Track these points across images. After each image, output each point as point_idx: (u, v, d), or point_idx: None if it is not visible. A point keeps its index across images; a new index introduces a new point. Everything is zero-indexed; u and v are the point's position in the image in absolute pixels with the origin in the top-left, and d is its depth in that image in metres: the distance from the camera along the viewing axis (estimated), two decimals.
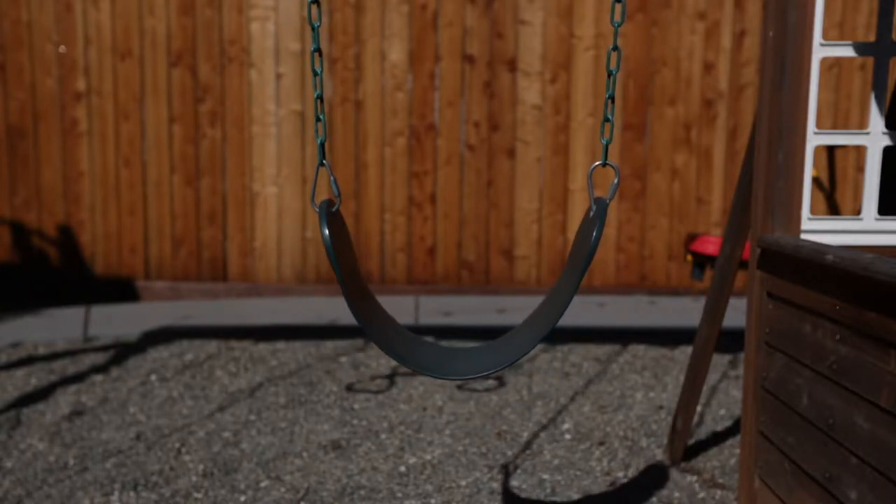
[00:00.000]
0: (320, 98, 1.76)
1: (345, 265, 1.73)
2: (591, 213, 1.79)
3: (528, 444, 3.33)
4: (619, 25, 1.75)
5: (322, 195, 5.76)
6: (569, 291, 1.74)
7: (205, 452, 3.23)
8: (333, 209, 1.76)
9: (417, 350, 1.88)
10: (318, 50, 1.74)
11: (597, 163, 1.81)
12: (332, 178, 1.76)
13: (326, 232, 1.69)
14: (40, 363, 4.34)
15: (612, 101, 1.76)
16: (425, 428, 3.49)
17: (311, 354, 4.52)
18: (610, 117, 1.77)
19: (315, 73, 1.75)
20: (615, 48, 1.77)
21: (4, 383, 4.01)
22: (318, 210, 1.72)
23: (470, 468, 3.10)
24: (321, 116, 1.77)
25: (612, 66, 1.75)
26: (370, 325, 1.78)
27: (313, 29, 1.73)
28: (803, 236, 2.41)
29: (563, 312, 1.72)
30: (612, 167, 1.79)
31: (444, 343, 4.69)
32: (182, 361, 4.38)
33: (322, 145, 1.77)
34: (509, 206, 5.98)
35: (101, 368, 4.26)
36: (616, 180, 1.76)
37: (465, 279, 6.03)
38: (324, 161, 1.77)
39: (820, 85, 2.44)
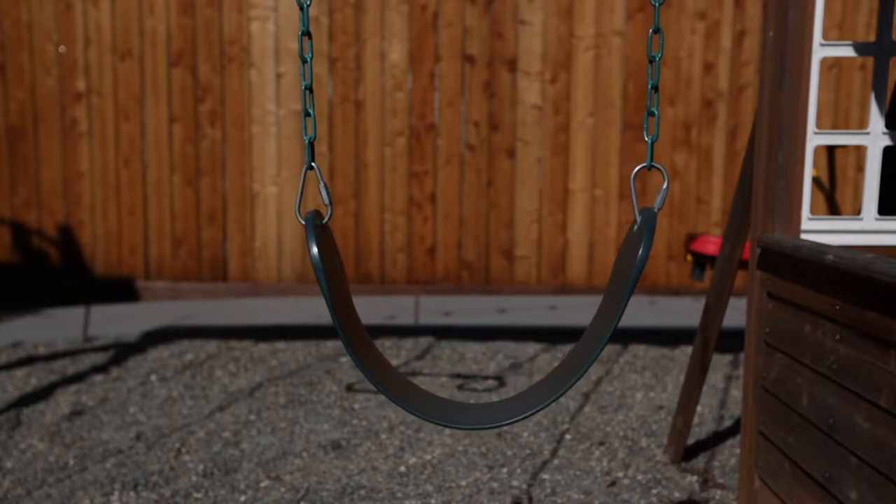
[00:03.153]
0: (309, 89, 1.49)
1: (335, 288, 1.48)
2: (637, 227, 1.49)
3: (528, 444, 3.33)
4: (660, 3, 1.49)
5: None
6: (616, 317, 1.44)
7: (205, 452, 3.23)
8: (323, 222, 1.51)
9: (422, 400, 1.61)
10: (307, 33, 1.49)
11: (642, 164, 1.52)
12: (321, 183, 1.51)
13: (315, 250, 1.43)
14: (40, 363, 4.33)
15: (656, 91, 1.50)
16: (425, 428, 3.49)
17: (311, 354, 4.52)
18: (655, 111, 1.50)
19: (304, 61, 1.49)
20: (657, 30, 1.50)
21: (4, 383, 4.01)
22: (304, 223, 1.46)
23: (470, 468, 3.10)
24: (310, 111, 1.50)
25: (655, 51, 1.49)
26: (364, 364, 1.50)
27: (302, 8, 1.48)
28: (803, 236, 2.41)
29: (606, 343, 1.44)
30: (660, 170, 1.49)
31: (444, 343, 4.69)
32: (182, 361, 4.38)
33: (311, 145, 1.50)
34: (509, 206, 5.98)
35: (101, 368, 4.26)
36: (665, 185, 1.49)
37: (465, 279, 6.03)
38: (312, 164, 1.50)
39: (820, 85, 2.43)
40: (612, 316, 1.45)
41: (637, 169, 1.50)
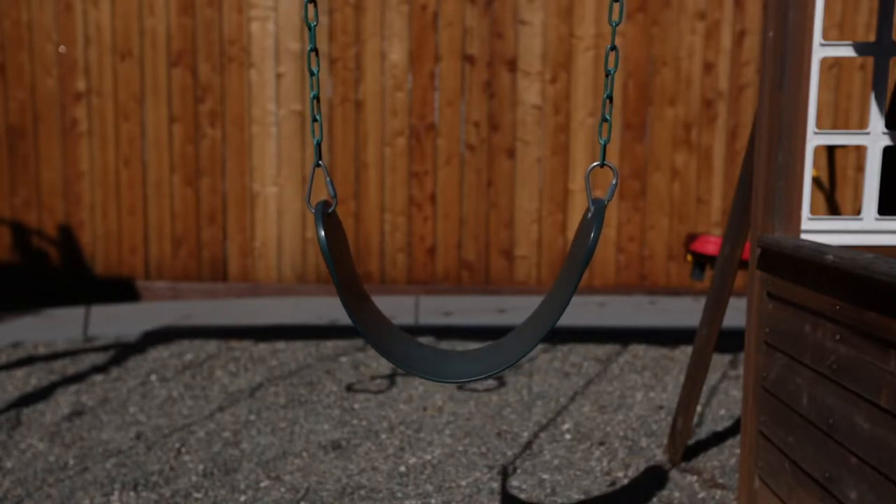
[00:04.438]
0: (317, 98, 1.76)
1: (341, 267, 1.73)
2: (590, 214, 1.77)
3: (528, 444, 3.33)
4: (616, 25, 1.74)
5: (319, 196, 5.78)
6: (568, 291, 1.72)
7: (205, 452, 3.23)
8: (329, 210, 1.76)
9: (414, 353, 1.87)
10: (314, 49, 1.73)
11: (595, 163, 1.78)
12: (327, 179, 1.76)
13: (322, 233, 1.68)
14: (40, 363, 4.34)
15: (611, 101, 1.75)
16: (425, 428, 3.49)
17: (311, 354, 4.52)
18: (608, 117, 1.76)
19: (311, 74, 1.75)
20: (613, 48, 1.76)
21: (4, 383, 4.01)
22: (313, 211, 1.71)
23: (470, 468, 3.10)
24: (318, 117, 1.77)
25: (611, 66, 1.74)
26: (366, 328, 1.78)
27: (310, 28, 1.72)
28: (803, 236, 2.41)
29: (563, 313, 1.71)
30: (611, 168, 1.77)
31: (445, 344, 4.69)
32: (182, 361, 4.38)
33: (318, 146, 1.77)
34: (509, 206, 5.98)
35: (101, 368, 4.26)
36: (614, 181, 1.75)
37: (465, 279, 6.03)
38: (320, 162, 1.76)
39: (820, 85, 2.44)
40: (572, 280, 1.72)
41: (591, 167, 1.76)
